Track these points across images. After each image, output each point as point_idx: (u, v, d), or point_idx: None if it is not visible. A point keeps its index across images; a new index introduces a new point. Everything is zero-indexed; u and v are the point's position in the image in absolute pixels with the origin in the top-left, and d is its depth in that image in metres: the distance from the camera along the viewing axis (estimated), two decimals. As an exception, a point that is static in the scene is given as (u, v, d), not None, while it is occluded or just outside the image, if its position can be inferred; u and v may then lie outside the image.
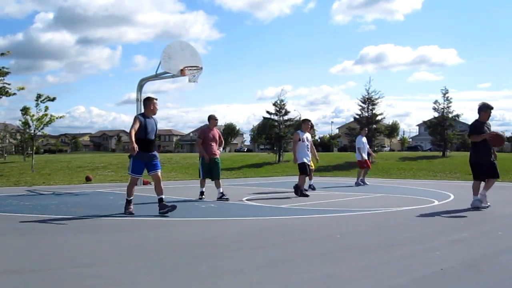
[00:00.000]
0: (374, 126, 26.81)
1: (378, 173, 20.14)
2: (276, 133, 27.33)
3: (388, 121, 62.24)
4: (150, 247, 4.64)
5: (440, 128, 27.61)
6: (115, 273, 3.65)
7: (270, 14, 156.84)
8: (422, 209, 7.80)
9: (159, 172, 6.95)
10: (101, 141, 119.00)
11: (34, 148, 23.26)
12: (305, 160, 9.95)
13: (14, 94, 19.26)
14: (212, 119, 9.31)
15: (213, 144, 9.16)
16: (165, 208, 6.74)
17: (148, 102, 7.04)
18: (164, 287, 3.28)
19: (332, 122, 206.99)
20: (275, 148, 27.74)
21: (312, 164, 11.55)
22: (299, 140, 10.03)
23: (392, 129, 69.37)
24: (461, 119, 33.52)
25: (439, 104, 27.72)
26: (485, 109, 7.88)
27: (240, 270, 3.72)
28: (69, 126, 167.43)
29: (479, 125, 7.75)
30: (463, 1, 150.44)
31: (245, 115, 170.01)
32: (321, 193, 11.20)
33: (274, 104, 27.65)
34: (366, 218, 6.89)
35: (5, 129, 42.79)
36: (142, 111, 7.35)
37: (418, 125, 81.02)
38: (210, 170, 9.11)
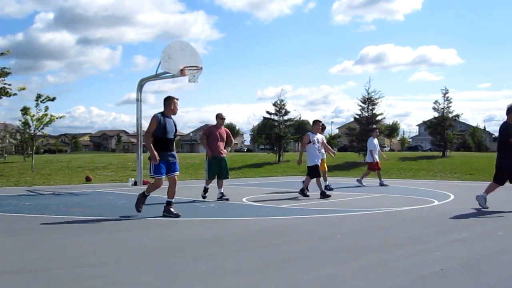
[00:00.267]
0: (374, 126, 26.80)
1: (377, 173, 20.13)
2: (276, 133, 27.32)
3: (388, 121, 62.27)
4: (150, 247, 4.65)
5: (440, 128, 27.59)
6: (115, 273, 3.65)
7: (270, 14, 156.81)
8: (422, 209, 7.80)
9: (176, 174, 6.78)
10: (101, 141, 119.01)
11: (34, 148, 23.27)
12: (316, 162, 9.77)
13: (15, 94, 19.29)
14: (218, 117, 9.19)
15: (220, 143, 9.00)
16: (169, 213, 6.62)
17: (169, 102, 6.79)
18: (164, 287, 3.28)
19: (332, 122, 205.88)
20: (275, 148, 27.73)
21: (325, 166, 11.48)
22: (309, 142, 9.87)
23: (392, 129, 69.38)
24: (461, 119, 33.56)
25: (439, 104, 27.70)
26: None
27: (240, 270, 3.72)
28: (69, 126, 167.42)
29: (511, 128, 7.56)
30: (463, 1, 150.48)
31: (245, 115, 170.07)
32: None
33: (274, 104, 27.65)
34: (366, 218, 6.89)
35: (5, 129, 42.81)
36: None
37: (418, 125, 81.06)
38: (217, 169, 8.94)
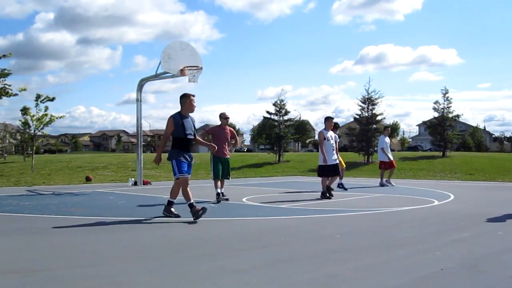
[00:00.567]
0: (374, 126, 26.80)
1: (378, 172, 20.10)
2: (276, 133, 27.32)
3: (388, 121, 62.23)
4: (150, 247, 4.64)
5: (440, 128, 27.59)
6: (115, 273, 3.65)
7: (270, 14, 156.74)
8: (422, 209, 7.80)
9: (188, 177, 6.60)
10: (101, 141, 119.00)
11: (34, 148, 23.28)
12: (331, 162, 9.51)
13: (16, 94, 19.29)
14: (222, 117, 9.04)
15: (224, 144, 8.87)
16: (169, 213, 6.53)
17: (185, 99, 6.55)
18: (164, 287, 3.28)
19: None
20: (275, 148, 27.73)
21: (343, 163, 11.39)
22: (325, 139, 9.59)
23: (392, 129, 69.32)
24: (461, 119, 33.57)
25: (439, 104, 27.71)
26: None
27: (240, 270, 3.72)
28: (69, 126, 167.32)
29: None
30: (463, 1, 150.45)
31: (245, 115, 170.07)
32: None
33: (274, 104, 27.66)
34: (366, 218, 6.89)
35: (5, 129, 42.81)
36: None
37: (418, 125, 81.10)
38: (221, 169, 8.82)
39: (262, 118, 31.60)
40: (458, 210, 7.69)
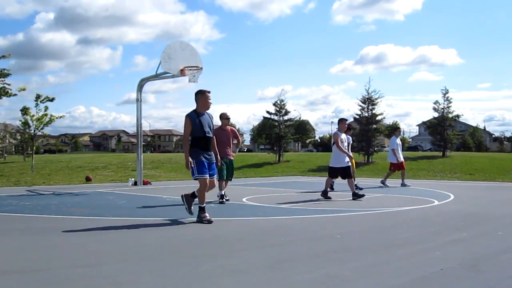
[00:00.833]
0: (374, 126, 26.80)
1: (378, 173, 20.13)
2: (276, 133, 27.32)
3: (388, 121, 62.22)
4: (150, 247, 4.64)
5: (440, 128, 27.59)
6: (115, 273, 3.65)
7: (270, 14, 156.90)
8: (422, 209, 7.80)
9: (215, 177, 6.41)
10: (101, 141, 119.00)
11: (34, 148, 23.28)
12: (343, 164, 9.43)
13: (15, 94, 19.30)
14: (222, 118, 8.82)
15: (227, 145, 8.69)
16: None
17: (200, 96, 6.28)
18: (164, 287, 3.28)
19: (332, 122, 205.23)
20: (275, 148, 27.73)
21: (353, 164, 11.26)
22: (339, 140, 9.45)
23: (392, 129, 69.37)
24: (461, 119, 33.55)
25: (439, 104, 27.71)
26: None
27: (240, 270, 3.72)
28: (69, 126, 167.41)
29: None
30: (463, 1, 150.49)
31: (245, 115, 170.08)
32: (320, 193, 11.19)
33: (274, 104, 27.66)
34: (366, 218, 6.89)
35: (5, 129, 42.81)
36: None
37: (418, 125, 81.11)
38: (225, 170, 8.63)
39: (262, 118, 31.61)
40: (458, 210, 7.69)
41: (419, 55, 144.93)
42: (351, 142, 10.28)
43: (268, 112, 27.99)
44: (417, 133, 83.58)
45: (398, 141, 13.47)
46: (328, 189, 9.68)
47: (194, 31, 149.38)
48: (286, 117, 27.98)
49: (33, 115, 20.97)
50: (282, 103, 27.50)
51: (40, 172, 20.09)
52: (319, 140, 78.44)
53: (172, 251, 4.51)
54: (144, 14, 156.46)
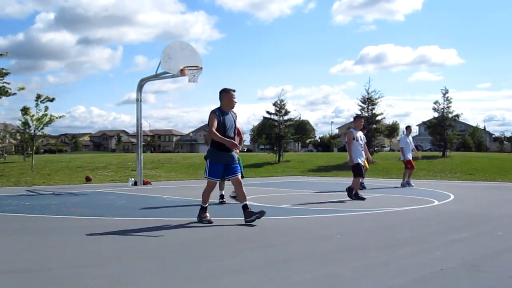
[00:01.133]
0: (374, 126, 26.81)
1: (378, 173, 20.15)
2: (276, 133, 27.33)
3: (388, 121, 62.32)
4: (150, 247, 4.64)
5: (440, 128, 27.60)
6: (115, 273, 3.65)
7: (270, 14, 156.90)
8: (422, 209, 7.80)
9: (239, 175, 6.21)
10: (101, 141, 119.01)
11: (34, 148, 23.28)
12: (360, 161, 9.28)
13: (14, 94, 19.33)
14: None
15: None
16: (252, 216, 5.96)
17: (224, 95, 6.15)
18: (164, 287, 3.28)
19: (332, 122, 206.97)
20: (275, 148, 27.74)
21: (366, 164, 11.15)
22: (353, 139, 9.32)
23: (392, 129, 69.43)
24: (461, 119, 33.52)
25: (439, 104, 27.72)
26: None
27: (240, 270, 3.72)
28: (69, 126, 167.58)
29: None
30: (463, 1, 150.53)
31: (245, 115, 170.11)
32: (321, 194, 11.20)
33: (274, 104, 27.67)
34: (366, 218, 6.89)
35: (5, 129, 42.82)
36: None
37: (418, 125, 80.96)
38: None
39: (262, 118, 31.61)
40: (458, 210, 7.69)
41: (419, 55, 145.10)
42: (365, 140, 10.01)
43: (268, 112, 28.01)
44: (417, 133, 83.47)
45: (408, 140, 13.31)
46: (359, 188, 9.41)
47: (194, 31, 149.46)
48: (286, 117, 28.00)
49: (33, 115, 20.98)
50: (282, 103, 27.51)
51: (40, 172, 20.09)
52: (319, 140, 78.43)
53: (172, 251, 4.51)
54: (144, 14, 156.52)
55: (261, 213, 5.96)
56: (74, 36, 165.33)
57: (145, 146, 76.02)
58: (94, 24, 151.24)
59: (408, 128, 14.17)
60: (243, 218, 6.06)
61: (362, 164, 9.48)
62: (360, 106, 26.84)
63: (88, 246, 4.71)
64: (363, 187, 11.43)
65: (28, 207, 8.09)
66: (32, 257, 4.17)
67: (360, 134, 9.53)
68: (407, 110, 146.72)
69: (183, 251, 4.48)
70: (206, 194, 6.17)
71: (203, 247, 4.66)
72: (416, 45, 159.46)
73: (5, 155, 39.79)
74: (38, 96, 20.80)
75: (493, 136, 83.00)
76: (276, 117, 27.87)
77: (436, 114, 28.05)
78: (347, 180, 15.98)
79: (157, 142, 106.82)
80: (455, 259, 4.07)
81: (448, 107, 27.56)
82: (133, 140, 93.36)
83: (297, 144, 72.70)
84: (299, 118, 39.11)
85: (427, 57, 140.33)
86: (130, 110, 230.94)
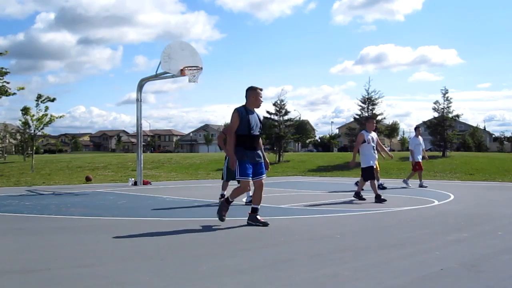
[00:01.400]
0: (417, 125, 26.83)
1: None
2: (276, 133, 27.33)
3: (388, 121, 62.25)
4: (150, 247, 4.64)
5: (440, 128, 27.60)
6: (115, 273, 3.65)
7: (271, 14, 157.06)
8: (422, 209, 7.80)
9: (263, 178, 6.03)
10: (101, 141, 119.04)
11: (34, 148, 23.29)
12: (372, 164, 9.05)
13: (14, 94, 19.33)
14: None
15: None
16: (256, 222, 5.93)
17: (251, 93, 6.00)
18: (164, 287, 3.28)
19: (332, 122, 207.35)
20: (275, 148, 27.74)
21: (377, 166, 11.14)
22: (364, 141, 9.13)
23: (392, 129, 69.36)
24: (461, 119, 33.54)
25: (439, 104, 27.72)
26: None
27: (240, 270, 3.72)
28: (69, 126, 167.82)
29: None
30: (463, 1, 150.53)
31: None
32: (321, 194, 11.21)
33: (274, 104, 27.69)
34: (366, 218, 6.89)
35: (5, 129, 42.81)
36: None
37: (418, 125, 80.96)
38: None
39: (262, 118, 31.58)
40: (458, 210, 7.68)
41: (419, 55, 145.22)
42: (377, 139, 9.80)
43: (268, 112, 28.02)
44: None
45: (418, 140, 13.16)
46: (379, 187, 9.26)
47: (194, 31, 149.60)
48: (286, 117, 28.02)
49: (33, 115, 20.99)
50: (282, 103, 27.52)
51: (40, 172, 20.09)
52: (319, 140, 78.39)
53: (172, 251, 4.51)
54: (145, 14, 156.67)
55: (265, 224, 5.92)
56: (75, 36, 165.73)
57: (145, 146, 76.04)
58: (95, 24, 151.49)
59: (417, 129, 13.93)
60: (243, 218, 6.05)
61: (375, 166, 9.27)
62: (360, 106, 26.87)
63: (88, 246, 4.71)
64: (383, 187, 11.37)
65: (28, 207, 8.09)
66: (32, 257, 4.17)
67: (372, 136, 9.31)
68: (407, 110, 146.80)
69: (183, 251, 4.48)
70: (238, 192, 6.01)
71: (203, 247, 4.66)
72: (416, 45, 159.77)
73: (5, 155, 39.79)
74: (39, 96, 20.82)
75: (493, 136, 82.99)
76: (276, 117, 27.89)
77: (436, 114, 28.05)
78: (347, 180, 15.98)
79: (157, 142, 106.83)
80: (455, 259, 4.07)
81: (448, 107, 27.57)
82: (133, 140, 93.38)
83: (297, 144, 72.67)
84: (299, 118, 39.14)
85: (427, 57, 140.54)
86: (130, 110, 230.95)
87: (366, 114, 26.58)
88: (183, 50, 12.87)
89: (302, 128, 62.43)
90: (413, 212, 7.50)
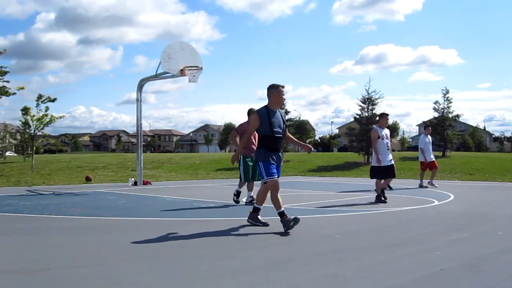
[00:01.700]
0: (374, 126, 26.82)
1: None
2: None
3: (388, 121, 62.12)
4: (150, 247, 4.64)
5: (440, 128, 27.61)
6: (115, 273, 3.64)
7: (271, 14, 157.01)
8: (422, 209, 7.80)
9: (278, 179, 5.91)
10: (101, 141, 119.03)
11: (34, 148, 23.29)
12: (386, 162, 8.77)
13: (14, 94, 19.33)
14: (251, 113, 8.09)
15: (253, 142, 8.09)
16: (257, 222, 5.90)
17: (272, 91, 5.83)
18: (164, 287, 3.28)
19: (332, 122, 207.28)
20: (275, 148, 27.71)
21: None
22: (379, 137, 8.82)
23: (392, 129, 69.36)
24: (461, 119, 33.59)
25: (439, 104, 27.74)
26: None
27: (240, 270, 3.72)
28: (69, 126, 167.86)
29: None
30: (463, 1, 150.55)
31: (245, 115, 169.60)
32: (321, 193, 11.21)
33: (274, 104, 27.63)
34: (366, 218, 6.89)
35: (5, 129, 42.81)
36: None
37: (418, 125, 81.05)
38: (251, 170, 8.25)
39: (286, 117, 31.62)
40: (458, 210, 7.68)
41: (419, 55, 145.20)
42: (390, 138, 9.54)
43: (268, 112, 27.98)
44: (417, 133, 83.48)
45: (427, 139, 13.03)
46: (385, 189, 9.04)
47: (194, 31, 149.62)
48: (286, 117, 27.99)
49: (33, 115, 20.99)
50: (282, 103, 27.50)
51: (40, 172, 20.09)
52: (319, 140, 78.36)
53: (172, 251, 4.51)
54: (145, 14, 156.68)
55: (265, 224, 5.92)
56: (75, 36, 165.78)
57: (145, 146, 76.03)
58: (95, 24, 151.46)
59: (427, 127, 13.71)
60: (243, 218, 6.05)
61: (392, 163, 8.98)
62: (360, 106, 26.84)
63: (88, 246, 4.71)
64: (389, 188, 11.32)
65: (28, 207, 8.09)
66: (32, 257, 4.17)
67: (385, 132, 9.00)
68: (407, 110, 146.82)
69: (183, 251, 4.48)
70: (264, 195, 5.86)
71: (203, 247, 4.66)
72: (416, 45, 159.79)
73: (5, 155, 39.80)
74: (40, 96, 20.82)
75: (493, 136, 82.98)
76: (276, 117, 27.85)
77: (436, 114, 28.08)
78: (347, 180, 15.99)
79: (157, 142, 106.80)
80: (455, 259, 4.07)
81: (448, 107, 27.59)
82: (133, 140, 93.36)
83: (297, 144, 72.61)
84: (299, 118, 39.14)
85: (427, 57, 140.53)
86: (130, 110, 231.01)
87: (366, 114, 26.57)
88: (183, 50, 12.87)
89: (302, 128, 62.39)
90: (413, 212, 7.50)
